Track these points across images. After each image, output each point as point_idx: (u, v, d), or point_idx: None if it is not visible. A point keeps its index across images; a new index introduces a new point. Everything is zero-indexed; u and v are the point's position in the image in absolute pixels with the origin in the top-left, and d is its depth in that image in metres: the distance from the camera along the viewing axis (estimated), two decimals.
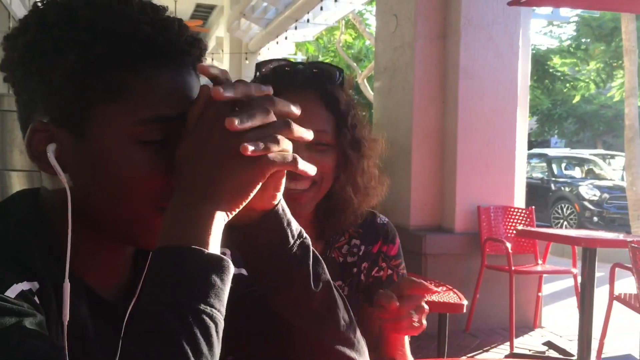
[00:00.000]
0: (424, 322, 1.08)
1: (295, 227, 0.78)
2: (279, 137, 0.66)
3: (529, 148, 9.25)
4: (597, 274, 3.53)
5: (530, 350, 4.14)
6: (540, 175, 12.69)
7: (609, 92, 16.68)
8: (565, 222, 11.46)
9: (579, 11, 15.23)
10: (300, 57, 16.15)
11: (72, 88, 0.68)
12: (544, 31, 18.06)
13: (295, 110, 0.70)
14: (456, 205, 4.55)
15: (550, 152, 15.05)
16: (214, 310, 0.60)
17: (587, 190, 11.38)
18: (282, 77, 1.21)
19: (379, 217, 1.38)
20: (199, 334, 0.58)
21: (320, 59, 16.25)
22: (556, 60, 16.35)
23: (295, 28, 9.67)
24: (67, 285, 0.68)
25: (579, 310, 3.67)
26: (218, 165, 0.65)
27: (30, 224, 0.71)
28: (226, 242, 0.69)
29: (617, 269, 3.65)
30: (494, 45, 4.57)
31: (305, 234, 0.80)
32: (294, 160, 0.68)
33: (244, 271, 0.86)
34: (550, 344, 4.23)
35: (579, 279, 3.83)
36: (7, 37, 0.72)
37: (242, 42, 11.92)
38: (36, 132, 0.70)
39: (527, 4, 4.26)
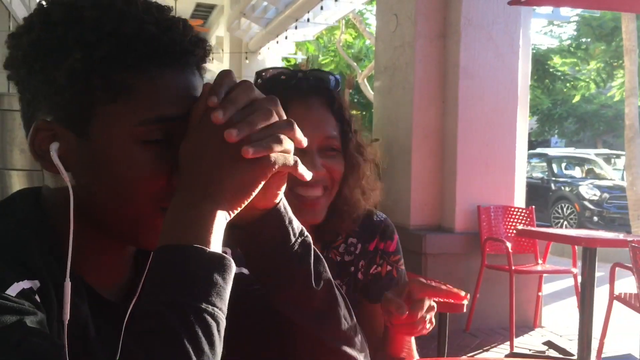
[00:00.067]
0: (433, 320, 1.08)
1: (297, 225, 0.79)
2: (282, 136, 0.66)
3: (529, 148, 9.25)
4: (597, 274, 3.53)
5: (530, 350, 4.14)
6: (540, 175, 12.69)
7: (609, 92, 16.69)
8: (565, 222, 11.46)
9: (579, 11, 15.24)
10: (300, 57, 16.16)
11: (76, 87, 0.68)
12: (544, 31, 18.07)
13: (304, 142, 0.70)
14: (456, 205, 4.55)
15: (553, 151, 15.05)
16: (215, 309, 0.60)
17: (587, 190, 11.38)
18: (287, 85, 1.21)
19: (375, 214, 1.39)
20: (200, 333, 0.58)
21: (321, 58, 16.27)
22: (556, 60, 16.35)
23: (296, 27, 9.67)
24: (68, 284, 0.68)
25: (579, 310, 3.67)
26: (220, 165, 0.65)
27: (31, 223, 0.71)
28: (227, 240, 0.69)
29: (617, 268, 3.65)
30: (494, 45, 4.57)
31: (306, 232, 0.80)
32: (296, 163, 0.68)
33: (245, 270, 0.86)
34: (550, 344, 4.23)
35: (579, 279, 3.83)
36: (12, 35, 0.72)
37: (242, 41, 11.92)
38: (39, 131, 0.70)
39: (527, 4, 4.26)
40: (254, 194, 0.67)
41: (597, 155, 14.33)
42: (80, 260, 0.71)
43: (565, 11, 16.08)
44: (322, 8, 8.60)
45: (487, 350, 4.12)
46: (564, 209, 11.57)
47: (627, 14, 7.63)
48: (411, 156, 4.65)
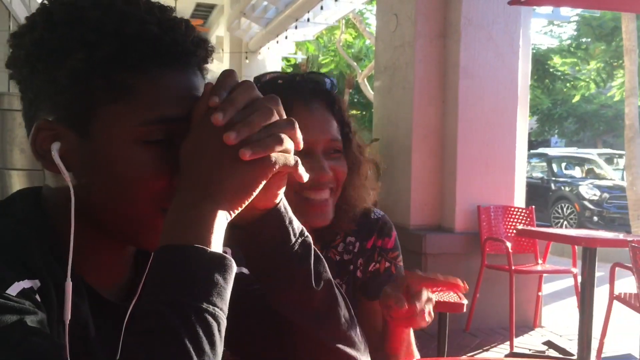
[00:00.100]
0: (432, 312, 1.08)
1: (297, 225, 0.79)
2: (282, 136, 0.66)
3: (530, 148, 9.25)
4: (597, 274, 3.53)
5: (530, 350, 4.14)
6: (540, 175, 12.69)
7: (609, 92, 16.69)
8: (565, 222, 11.47)
9: (579, 11, 15.24)
10: (300, 57, 16.16)
11: (77, 87, 0.68)
12: (544, 31, 18.07)
13: (301, 144, 0.70)
14: (456, 205, 4.55)
15: (555, 151, 15.05)
16: (216, 309, 0.60)
17: (587, 190, 11.39)
18: (288, 90, 1.21)
19: (373, 212, 1.40)
20: (201, 333, 0.58)
21: (321, 58, 16.27)
22: (556, 60, 16.36)
23: (296, 27, 9.67)
24: (69, 284, 0.68)
25: (579, 310, 3.67)
26: (220, 165, 0.65)
27: (31, 222, 0.71)
28: (228, 240, 0.69)
29: (617, 268, 3.65)
30: (494, 44, 4.57)
31: (306, 233, 0.80)
32: (296, 163, 0.68)
33: (245, 270, 0.86)
34: (550, 344, 4.23)
35: (579, 279, 3.83)
36: (14, 34, 0.72)
37: (242, 41, 11.92)
38: (41, 131, 0.70)
39: (527, 4, 4.26)
40: (255, 193, 0.67)
41: (599, 155, 14.33)
42: (80, 260, 0.71)
43: (565, 11, 16.09)
44: (322, 8, 8.60)
45: (487, 350, 4.12)
46: (564, 209, 11.57)
47: (627, 14, 7.63)
48: (411, 156, 4.65)
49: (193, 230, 0.63)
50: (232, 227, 0.70)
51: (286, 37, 10.58)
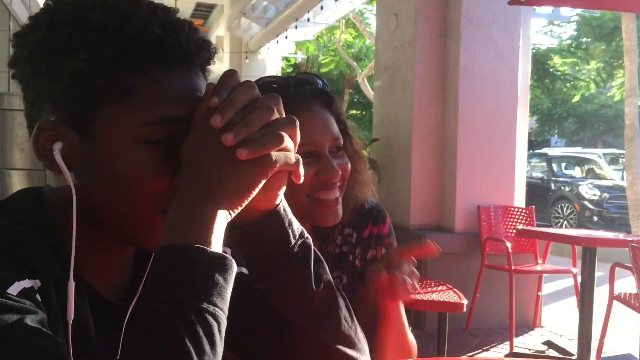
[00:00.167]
0: (417, 286, 1.13)
1: (297, 227, 0.79)
2: (282, 134, 0.66)
3: (529, 148, 9.25)
4: (597, 274, 3.53)
5: (530, 350, 4.14)
6: (540, 175, 12.69)
7: (609, 92, 16.70)
8: (565, 222, 11.47)
9: (579, 10, 15.24)
10: (300, 56, 16.16)
11: (80, 88, 0.68)
12: (544, 30, 18.08)
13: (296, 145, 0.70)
14: (456, 205, 4.55)
15: (557, 151, 15.03)
16: (216, 309, 0.60)
17: (587, 190, 11.39)
18: (287, 93, 1.21)
19: (367, 201, 1.41)
20: (201, 333, 0.58)
21: (321, 58, 16.28)
22: (556, 60, 16.36)
23: (296, 27, 9.66)
24: (71, 284, 0.68)
25: (578, 310, 3.68)
26: (220, 165, 0.65)
27: (32, 222, 0.71)
28: (228, 241, 0.69)
29: (617, 268, 3.65)
30: (494, 44, 4.57)
31: (306, 234, 0.80)
32: (297, 161, 0.68)
33: (245, 270, 0.86)
34: (550, 344, 4.23)
35: (579, 279, 3.83)
36: (17, 34, 0.72)
37: (243, 41, 11.92)
38: (43, 130, 0.71)
39: (527, 4, 4.26)
40: (255, 193, 0.67)
41: (605, 155, 14.31)
42: (80, 260, 0.71)
43: (565, 11, 16.09)
44: (322, 8, 8.59)
45: (486, 350, 4.12)
46: (564, 209, 11.57)
47: (627, 14, 7.63)
48: (411, 156, 4.65)
49: (193, 230, 0.63)
50: (232, 227, 0.70)
51: (286, 37, 10.58)
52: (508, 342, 4.19)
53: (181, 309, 0.58)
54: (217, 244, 0.64)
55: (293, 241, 0.77)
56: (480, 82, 4.53)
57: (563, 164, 13.39)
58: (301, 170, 0.70)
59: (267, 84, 1.24)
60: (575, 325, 3.63)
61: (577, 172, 13.39)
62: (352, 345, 0.84)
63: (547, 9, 14.99)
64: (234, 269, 0.63)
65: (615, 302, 3.65)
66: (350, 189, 1.29)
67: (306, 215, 1.18)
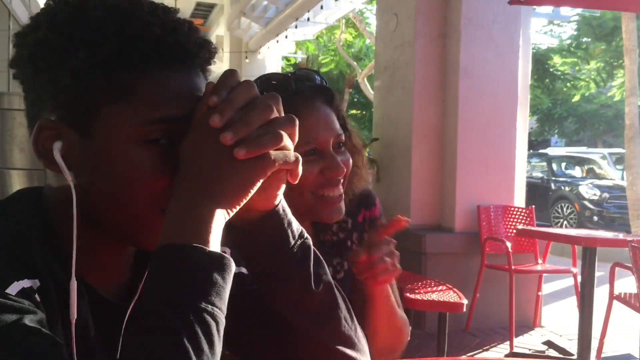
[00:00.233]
0: (398, 265, 1.17)
1: (296, 227, 0.79)
2: (281, 133, 0.66)
3: (529, 148, 9.24)
4: (597, 274, 3.53)
5: (530, 350, 4.14)
6: (540, 175, 12.69)
7: (609, 92, 16.71)
8: (565, 222, 11.47)
9: (579, 10, 15.25)
10: (300, 56, 16.16)
11: (80, 87, 0.68)
12: (545, 30, 18.11)
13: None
14: (456, 205, 4.55)
15: (562, 151, 15.02)
16: (215, 308, 0.60)
17: (587, 190, 11.39)
18: (289, 91, 1.22)
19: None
20: (200, 332, 0.58)
21: (321, 57, 16.28)
22: (556, 60, 16.37)
23: (296, 27, 9.67)
24: (74, 283, 0.68)
25: (578, 310, 3.68)
26: (219, 164, 0.65)
27: (32, 222, 0.71)
28: (227, 241, 0.69)
29: (617, 268, 3.65)
30: (495, 44, 4.57)
31: (306, 235, 0.80)
32: (297, 160, 0.68)
33: (244, 270, 0.86)
34: (550, 344, 4.23)
35: (579, 279, 3.83)
36: (18, 34, 0.73)
37: (242, 40, 11.92)
38: (43, 130, 0.71)
39: (527, 3, 4.26)
40: (253, 192, 0.67)
41: (610, 155, 14.30)
42: (80, 260, 0.71)
43: (566, 11, 16.08)
44: (322, 7, 8.59)
45: (486, 349, 4.12)
46: (564, 209, 11.57)
47: (627, 13, 7.63)
48: (411, 156, 4.65)
49: (192, 230, 0.63)
50: (231, 228, 0.70)
51: (286, 37, 10.58)
52: (508, 342, 4.19)
53: (180, 309, 0.58)
54: (215, 243, 0.64)
55: (292, 241, 0.77)
56: (480, 81, 4.53)
57: (563, 164, 13.39)
58: (300, 169, 0.69)
59: (267, 81, 1.24)
60: (575, 325, 3.63)
61: (577, 172, 13.39)
62: (352, 345, 0.84)
63: (547, 9, 14.98)
64: (233, 268, 0.63)
65: (615, 302, 3.65)
66: (349, 183, 1.30)
67: (310, 212, 1.19)
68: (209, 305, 0.59)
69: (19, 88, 0.75)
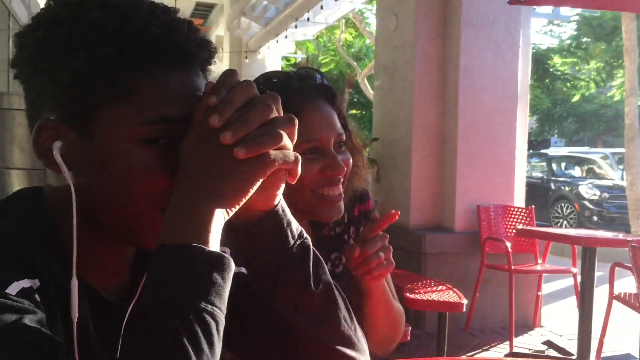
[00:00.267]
0: (392, 260, 1.18)
1: (296, 227, 0.79)
2: (280, 132, 0.66)
3: (529, 148, 9.24)
4: (597, 273, 3.53)
5: (529, 350, 4.14)
6: (540, 175, 12.69)
7: (609, 92, 16.71)
8: (565, 222, 11.47)
9: (579, 10, 15.25)
10: (300, 56, 16.17)
11: (79, 87, 0.68)
12: (544, 30, 18.12)
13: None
14: (456, 205, 4.55)
15: (565, 151, 15.01)
16: (214, 308, 0.60)
17: (587, 190, 11.39)
18: (292, 86, 1.22)
19: None
20: (199, 332, 0.58)
21: (320, 57, 16.28)
22: (556, 60, 16.37)
23: (296, 27, 9.67)
24: (74, 282, 0.68)
25: (578, 310, 3.68)
26: (218, 164, 0.65)
27: (32, 222, 0.71)
28: (226, 241, 0.69)
29: (616, 268, 3.65)
30: (494, 44, 4.57)
31: (305, 235, 0.80)
32: (296, 160, 0.68)
33: (244, 269, 0.86)
34: (549, 343, 4.23)
35: (579, 278, 3.84)
36: (19, 34, 0.73)
37: (242, 40, 11.92)
38: (43, 129, 0.71)
39: (527, 3, 4.26)
40: (252, 191, 0.67)
41: (612, 154, 14.29)
42: (80, 260, 0.71)
43: (565, 11, 16.09)
44: (322, 7, 8.59)
45: (486, 349, 4.12)
46: (564, 209, 11.57)
47: (627, 13, 7.63)
48: (411, 155, 4.65)
49: (191, 230, 0.63)
50: (231, 228, 0.70)
51: (286, 37, 10.59)
52: (508, 342, 4.19)
53: (180, 309, 0.58)
54: (215, 243, 0.64)
55: (292, 241, 0.77)
56: (480, 81, 4.54)
57: (563, 164, 13.40)
58: (299, 169, 0.69)
59: (268, 79, 1.24)
60: (575, 325, 3.63)
61: (577, 171, 13.39)
62: (351, 345, 0.84)
63: (547, 9, 14.98)
64: (232, 268, 0.63)
65: (615, 302, 3.65)
66: (349, 183, 1.30)
67: (310, 211, 1.20)
68: (209, 305, 0.59)
69: (19, 88, 0.75)
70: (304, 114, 1.15)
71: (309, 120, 1.15)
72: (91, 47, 0.67)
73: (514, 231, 4.45)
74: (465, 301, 2.90)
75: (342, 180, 1.23)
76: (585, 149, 17.07)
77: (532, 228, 4.49)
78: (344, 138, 1.25)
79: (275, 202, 0.75)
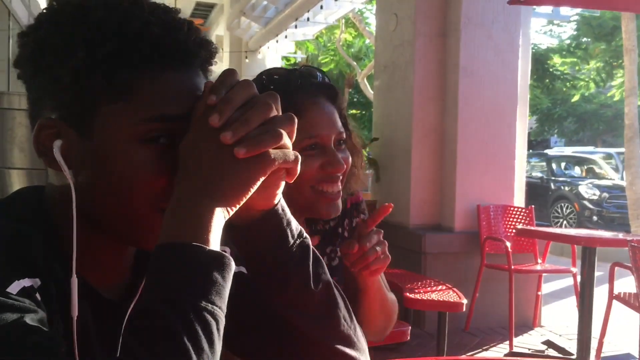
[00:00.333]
0: (388, 254, 1.19)
1: (295, 226, 0.79)
2: (280, 131, 0.66)
3: (529, 148, 9.24)
4: (597, 273, 3.53)
5: (529, 349, 4.14)
6: (539, 175, 12.69)
7: (609, 92, 16.72)
8: (564, 222, 11.47)
9: (579, 10, 15.25)
10: (300, 56, 16.16)
11: (79, 86, 0.68)
12: (544, 30, 18.13)
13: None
14: (456, 204, 4.55)
15: (569, 151, 15.01)
16: (215, 307, 0.60)
17: (587, 190, 11.39)
18: (294, 83, 1.22)
19: None
20: (200, 331, 0.58)
21: (320, 57, 16.27)
22: (556, 60, 16.38)
23: (296, 27, 9.66)
24: (74, 280, 0.68)
25: (578, 310, 3.68)
26: (218, 163, 0.65)
27: (33, 221, 0.71)
28: (226, 240, 0.69)
29: (616, 268, 3.65)
30: (494, 44, 4.57)
31: (305, 234, 0.80)
32: (296, 159, 0.68)
33: (244, 269, 0.86)
34: (549, 343, 4.24)
35: (579, 278, 3.84)
36: (21, 34, 0.73)
37: (242, 40, 11.91)
38: (43, 128, 0.71)
39: (527, 3, 4.27)
40: (252, 190, 0.67)
41: (617, 154, 14.27)
42: (80, 259, 0.71)
43: (565, 10, 16.07)
44: (322, 7, 8.59)
45: (486, 349, 4.12)
46: (564, 209, 11.57)
47: (627, 13, 7.63)
48: (411, 155, 4.65)
49: (191, 229, 0.63)
50: (231, 227, 0.70)
51: (286, 37, 10.58)
52: (508, 342, 4.19)
53: (180, 308, 0.58)
54: (215, 242, 0.64)
55: (292, 241, 0.77)
56: (480, 81, 4.54)
57: (563, 164, 13.39)
58: (298, 168, 0.70)
59: (270, 76, 1.25)
60: (575, 325, 3.63)
61: (576, 171, 13.39)
62: (351, 344, 0.84)
63: (547, 9, 14.97)
64: (232, 267, 0.63)
65: (615, 301, 3.65)
66: (346, 183, 1.31)
67: (309, 207, 1.20)
68: (209, 304, 0.59)
69: (19, 88, 0.75)
70: (305, 111, 1.15)
71: (310, 117, 1.16)
72: (91, 46, 0.67)
73: (514, 231, 4.45)
74: (465, 301, 2.90)
75: (341, 178, 1.23)
76: (590, 148, 17.05)
77: (532, 228, 4.50)
78: (345, 136, 1.25)
79: (275, 202, 0.75)
